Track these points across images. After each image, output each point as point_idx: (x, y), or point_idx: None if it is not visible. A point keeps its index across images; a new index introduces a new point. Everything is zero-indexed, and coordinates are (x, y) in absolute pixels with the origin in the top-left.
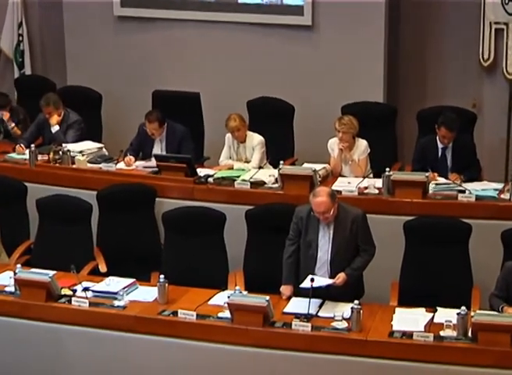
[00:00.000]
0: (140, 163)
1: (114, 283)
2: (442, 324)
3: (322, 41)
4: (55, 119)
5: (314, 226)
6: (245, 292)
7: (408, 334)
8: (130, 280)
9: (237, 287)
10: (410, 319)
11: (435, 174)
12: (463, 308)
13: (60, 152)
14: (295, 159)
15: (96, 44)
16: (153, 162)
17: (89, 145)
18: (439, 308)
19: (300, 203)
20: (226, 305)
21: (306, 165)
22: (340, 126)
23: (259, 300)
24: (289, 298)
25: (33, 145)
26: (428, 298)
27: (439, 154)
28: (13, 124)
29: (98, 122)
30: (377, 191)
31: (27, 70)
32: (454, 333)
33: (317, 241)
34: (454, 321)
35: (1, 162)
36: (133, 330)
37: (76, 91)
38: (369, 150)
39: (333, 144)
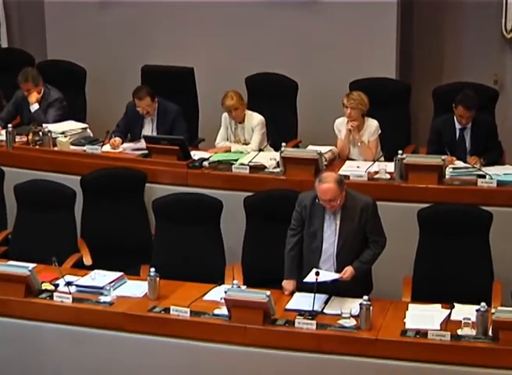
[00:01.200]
0: (129, 145)
1: (100, 277)
2: (460, 322)
3: (329, 11)
4: (34, 96)
5: (319, 215)
6: (244, 287)
7: (422, 333)
8: (118, 274)
9: (235, 282)
10: (424, 317)
11: (453, 158)
12: (483, 304)
13: (40, 133)
14: (298, 141)
15: (79, 14)
16: (142, 144)
17: (72, 126)
18: (456, 305)
19: (304, 189)
20: (223, 301)
21: (310, 147)
22: (349, 101)
23: (259, 295)
24: (291, 294)
25: (10, 125)
26: (444, 294)
27: (457, 135)
28: None
29: (82, 100)
30: (388, 176)
31: (3, 43)
32: (473, 332)
33: (322, 231)
34: (473, 319)
35: None
36: (120, 328)
37: (58, 66)
38: (380, 131)
39: (340, 125)
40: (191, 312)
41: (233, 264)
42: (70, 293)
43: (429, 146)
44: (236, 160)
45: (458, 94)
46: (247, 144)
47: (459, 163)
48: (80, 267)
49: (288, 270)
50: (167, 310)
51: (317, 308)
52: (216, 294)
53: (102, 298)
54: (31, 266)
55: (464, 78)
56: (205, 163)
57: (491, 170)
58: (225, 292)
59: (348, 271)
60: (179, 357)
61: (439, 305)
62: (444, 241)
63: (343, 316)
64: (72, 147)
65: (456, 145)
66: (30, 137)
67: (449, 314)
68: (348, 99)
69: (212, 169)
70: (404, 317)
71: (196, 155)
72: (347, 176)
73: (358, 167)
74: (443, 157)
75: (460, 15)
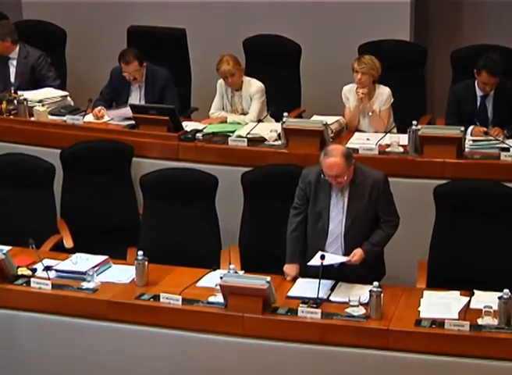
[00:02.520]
0: (114, 112)
1: (82, 262)
2: (481, 311)
3: None
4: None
5: (324, 193)
6: (241, 272)
7: (439, 323)
8: (102, 258)
9: (231, 266)
10: (441, 305)
11: (483, 128)
12: (505, 291)
13: (15, 102)
14: (302, 111)
15: None
16: (129, 112)
17: (50, 93)
18: (476, 292)
19: (308, 164)
20: (218, 287)
21: (315, 117)
22: (360, 65)
23: (258, 281)
24: (294, 279)
25: None
26: (463, 279)
27: (478, 104)
28: None
29: (62, 65)
30: (402, 150)
31: None
32: (495, 322)
33: (328, 210)
34: (495, 307)
35: None
36: (105, 317)
37: (34, 27)
38: (392, 99)
39: (349, 92)
40: (183, 299)
41: (230, 247)
42: (49, 279)
43: (447, 116)
44: (233, 132)
45: (480, 59)
46: (244, 114)
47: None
48: (59, 250)
49: (290, 253)
50: (156, 298)
51: (322, 295)
52: (211, 279)
53: (85, 285)
54: (5, 248)
55: (486, 40)
56: (198, 135)
57: None
58: (221, 278)
59: (357, 254)
60: (169, 349)
61: (457, 292)
62: (463, 221)
63: (351, 303)
64: (50, 117)
65: (478, 115)
66: (4, 105)
67: (469, 302)
68: (359, 63)
69: (206, 141)
70: (419, 305)
71: (188, 126)
72: (356, 150)
73: (368, 139)
74: (462, 128)
75: None
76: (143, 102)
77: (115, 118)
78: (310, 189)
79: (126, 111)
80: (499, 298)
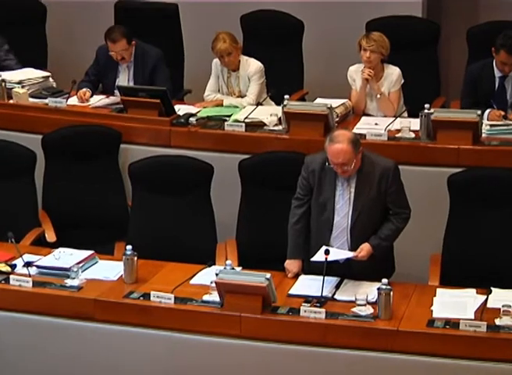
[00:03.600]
0: (100, 98)
1: (65, 257)
2: (499, 310)
3: None
4: None
5: (329, 182)
6: (238, 268)
7: (453, 323)
8: (87, 253)
9: (228, 262)
10: (455, 304)
11: (501, 112)
12: None
13: None
14: (305, 93)
15: None
16: (116, 96)
17: (31, 74)
18: (493, 289)
19: (312, 151)
20: (214, 285)
21: (319, 100)
22: (368, 42)
23: (257, 279)
24: (296, 276)
25: None
26: (479, 276)
27: (496, 85)
28: None
29: (42, 43)
30: (413, 135)
31: None
32: None
33: (333, 201)
34: None
35: None
36: (91, 318)
37: (11, 1)
38: (403, 80)
39: (355, 73)
40: (176, 298)
41: (226, 241)
42: (30, 275)
43: (463, 98)
44: (230, 116)
45: (499, 36)
46: (242, 96)
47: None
48: (41, 245)
49: (292, 248)
50: (147, 296)
51: (326, 293)
52: (206, 276)
53: (68, 282)
54: None
55: (505, 16)
56: (192, 120)
57: None
58: (217, 274)
59: (364, 249)
60: (160, 352)
61: (473, 290)
62: (479, 213)
63: (358, 302)
64: (31, 99)
65: (496, 97)
66: None
67: (486, 301)
68: (367, 40)
69: (200, 126)
70: (431, 304)
71: (181, 109)
72: (363, 135)
73: (376, 124)
74: (479, 112)
75: None
76: (132, 84)
77: (101, 101)
78: (313, 178)
79: (114, 98)
80: None
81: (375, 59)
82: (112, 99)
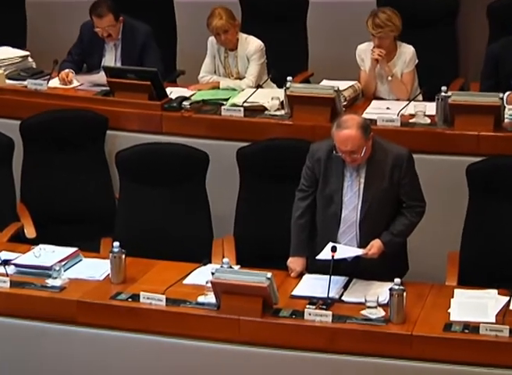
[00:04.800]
0: (85, 78)
1: (46, 255)
2: None
3: None
4: None
5: (337, 172)
6: (236, 267)
7: (472, 327)
8: (70, 250)
9: (225, 260)
10: (475, 306)
11: None
12: None
13: None
14: (309, 74)
15: None
16: (102, 76)
17: (8, 53)
18: None
19: (317, 138)
20: (210, 285)
21: (325, 82)
22: (376, 29)
23: (257, 278)
24: (300, 275)
25: None
26: (501, 275)
27: None
28: None
29: (20, 19)
30: (428, 121)
31: None
32: None
33: (341, 193)
34: None
35: None
36: (74, 321)
37: None
38: (417, 60)
39: (364, 52)
40: (167, 299)
41: (223, 237)
42: (8, 275)
43: (483, 80)
44: (227, 100)
45: None
46: (240, 78)
47: None
48: (20, 241)
49: (295, 245)
50: (135, 297)
51: (333, 294)
52: (200, 276)
53: (50, 282)
54: None
55: None
56: (185, 104)
57: None
58: (213, 274)
59: (375, 246)
60: (151, 358)
61: (494, 291)
62: (502, 206)
63: (368, 304)
64: (8, 81)
65: None
66: None
67: (508, 302)
68: (375, 27)
69: (195, 111)
70: (449, 306)
71: (173, 92)
72: (374, 121)
73: (388, 109)
74: (501, 95)
75: None
76: (119, 64)
77: (85, 83)
78: (319, 168)
79: (100, 77)
80: None
81: (385, 43)
82: (96, 76)
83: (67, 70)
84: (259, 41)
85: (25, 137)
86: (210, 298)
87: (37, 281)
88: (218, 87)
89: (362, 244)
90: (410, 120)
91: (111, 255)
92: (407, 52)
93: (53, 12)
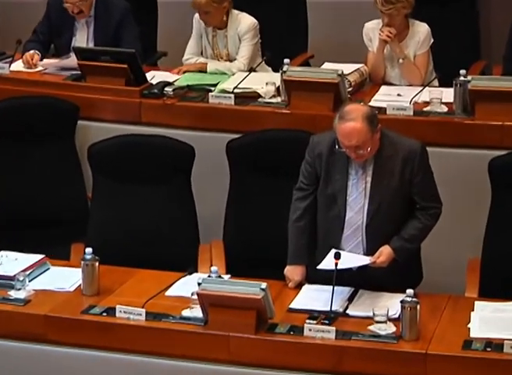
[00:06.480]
0: (52, 62)
1: (9, 263)
2: None
3: None
4: None
5: (340, 169)
6: (226, 276)
7: (495, 345)
8: (36, 257)
9: (213, 268)
10: (498, 320)
11: None
12: None
13: None
14: (309, 56)
15: None
16: (73, 60)
17: None
18: None
19: (318, 130)
20: (195, 297)
21: (327, 65)
22: (385, 5)
23: (250, 289)
24: (299, 286)
25: None
26: None
27: None
28: None
29: None
30: (445, 109)
31: None
32: None
33: (345, 193)
34: None
35: None
36: (41, 338)
37: None
38: (432, 40)
39: (372, 31)
40: (148, 313)
41: (211, 242)
42: None
43: (506, 63)
44: (216, 85)
45: None
46: (231, 60)
47: None
48: None
49: (293, 251)
50: (111, 311)
51: (337, 307)
52: (185, 287)
53: (13, 294)
54: None
55: None
56: (168, 90)
57: None
58: (199, 284)
59: (384, 253)
60: None
61: None
62: None
63: (377, 319)
64: None
65: None
66: None
67: None
68: (384, 2)
69: (179, 98)
70: (469, 321)
71: (154, 77)
72: (383, 109)
73: (399, 95)
74: None
75: None
76: (92, 45)
77: (52, 67)
78: (320, 164)
79: (70, 61)
80: None
81: (395, 21)
82: (66, 61)
83: (32, 52)
84: (252, 18)
85: None
86: (196, 311)
87: None
88: (206, 71)
89: (369, 250)
90: (425, 109)
91: (82, 262)
92: (420, 31)
93: None
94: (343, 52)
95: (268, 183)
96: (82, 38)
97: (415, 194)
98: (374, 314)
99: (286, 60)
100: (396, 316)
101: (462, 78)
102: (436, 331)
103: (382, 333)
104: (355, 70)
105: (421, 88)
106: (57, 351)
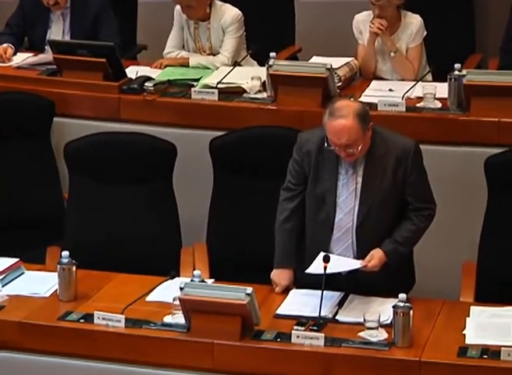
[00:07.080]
0: (27, 57)
1: None
2: None
3: None
4: None
5: (330, 168)
6: (210, 281)
7: (492, 352)
8: (9, 261)
9: (196, 272)
10: (495, 326)
11: None
12: None
13: None
14: (297, 49)
15: None
16: (48, 54)
17: None
18: None
19: (306, 127)
20: (177, 302)
21: (315, 59)
22: None
23: (234, 294)
24: (286, 291)
25: None
26: None
27: None
28: None
29: None
30: (439, 105)
31: None
32: None
33: (335, 193)
34: None
35: None
36: (16, 346)
37: None
38: (425, 32)
39: (363, 23)
40: (127, 320)
41: (194, 244)
42: None
43: (503, 56)
44: (198, 80)
45: None
46: (214, 54)
47: None
48: None
49: (280, 254)
50: (89, 318)
51: (326, 313)
52: (167, 292)
53: None
54: None
55: None
56: (148, 85)
57: None
58: (182, 289)
59: (376, 256)
60: None
61: None
62: None
63: (368, 325)
64: None
65: None
66: None
67: None
68: None
69: (159, 94)
70: (464, 327)
71: (134, 71)
72: (374, 105)
73: (391, 90)
74: None
75: None
76: (68, 38)
77: (27, 60)
78: (309, 162)
79: (46, 58)
80: None
81: (387, 13)
82: (41, 57)
83: (5, 45)
84: (236, 9)
85: None
86: (178, 318)
87: None
88: (188, 65)
89: (360, 254)
90: (418, 104)
91: (59, 266)
92: (413, 23)
93: None
94: (332, 45)
95: (253, 183)
96: (58, 31)
97: (409, 194)
98: (365, 320)
99: (273, 54)
100: (388, 321)
101: (457, 72)
102: (430, 338)
103: (374, 339)
104: (345, 64)
105: (414, 83)
106: (32, 360)
